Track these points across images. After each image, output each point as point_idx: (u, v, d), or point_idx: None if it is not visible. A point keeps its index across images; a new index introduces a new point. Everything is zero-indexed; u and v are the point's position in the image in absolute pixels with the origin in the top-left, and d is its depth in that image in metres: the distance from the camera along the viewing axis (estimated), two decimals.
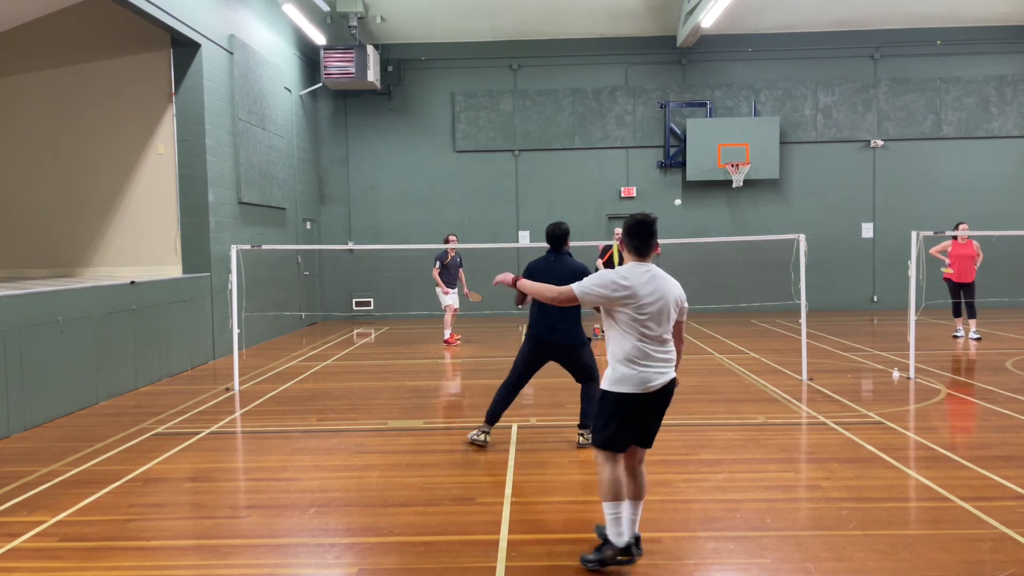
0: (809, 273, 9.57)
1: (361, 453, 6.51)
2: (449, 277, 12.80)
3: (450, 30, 17.20)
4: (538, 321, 6.29)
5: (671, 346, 4.18)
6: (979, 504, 4.93)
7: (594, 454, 4.24)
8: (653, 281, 4.09)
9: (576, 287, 4.17)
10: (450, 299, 12.90)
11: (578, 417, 6.71)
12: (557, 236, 6.36)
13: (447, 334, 13.14)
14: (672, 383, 4.14)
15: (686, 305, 4.25)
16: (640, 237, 4.15)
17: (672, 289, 4.14)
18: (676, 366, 4.20)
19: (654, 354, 4.07)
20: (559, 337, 6.23)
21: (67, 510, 5.14)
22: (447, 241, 12.91)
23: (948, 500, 5.05)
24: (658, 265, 4.26)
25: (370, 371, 10.85)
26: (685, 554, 4.31)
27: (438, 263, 12.69)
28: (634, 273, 4.09)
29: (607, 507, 4.12)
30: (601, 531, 4.24)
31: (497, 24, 17.05)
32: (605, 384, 4.15)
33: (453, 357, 11.88)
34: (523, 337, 6.52)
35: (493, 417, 6.62)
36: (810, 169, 17.63)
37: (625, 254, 4.26)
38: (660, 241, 13.86)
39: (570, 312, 6.14)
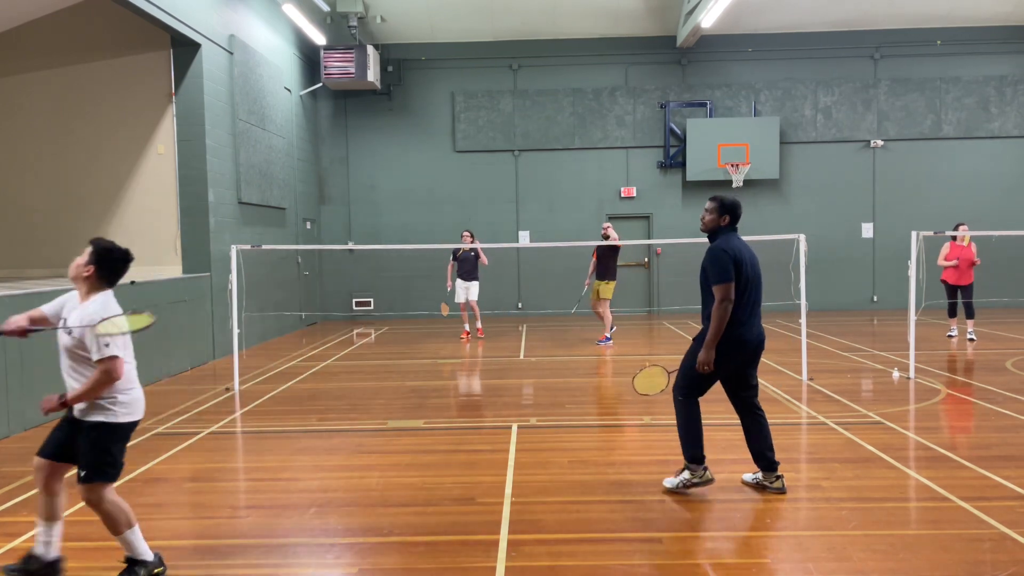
0: (809, 273, 9.56)
1: (361, 453, 6.51)
2: (462, 271, 13.54)
3: (450, 30, 17.20)
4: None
5: None
6: (979, 504, 4.93)
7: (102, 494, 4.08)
8: None
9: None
10: (457, 295, 13.60)
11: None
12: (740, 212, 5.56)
13: (467, 327, 13.94)
14: None
15: None
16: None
17: None
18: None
19: None
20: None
21: (67, 510, 5.13)
22: (462, 238, 13.70)
23: (948, 500, 5.05)
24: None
25: (370, 371, 10.85)
26: (685, 554, 4.31)
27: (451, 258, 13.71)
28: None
29: None
30: None
31: (497, 24, 17.05)
32: None
33: (455, 356, 11.88)
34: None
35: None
36: (810, 169, 17.63)
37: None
38: (660, 241, 13.86)
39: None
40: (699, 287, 5.39)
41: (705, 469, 5.25)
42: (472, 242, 13.36)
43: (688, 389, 5.26)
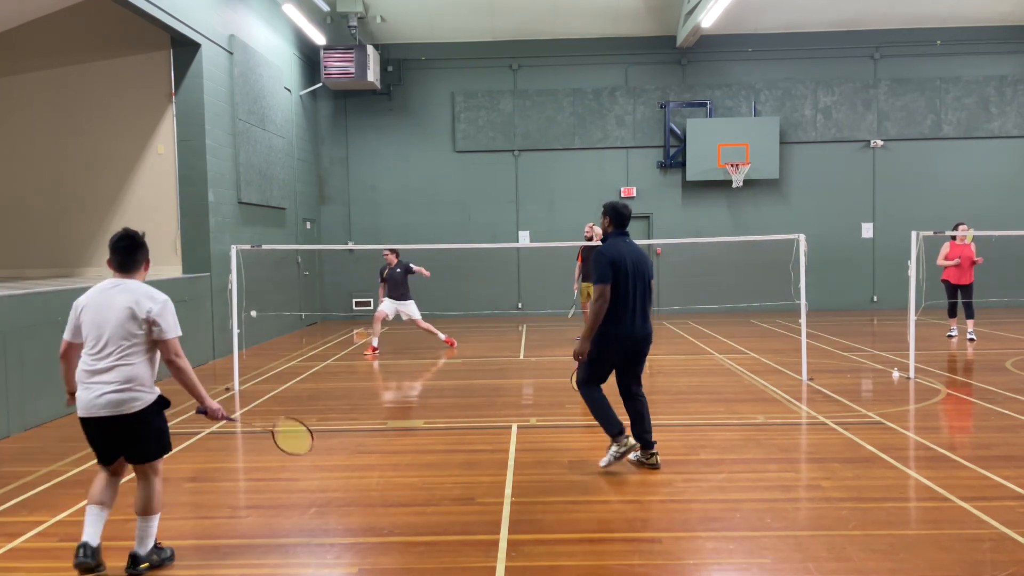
0: (809, 273, 9.57)
1: (361, 453, 6.51)
2: (392, 291, 12.28)
3: (450, 30, 17.20)
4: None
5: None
6: (979, 504, 4.93)
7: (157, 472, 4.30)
8: None
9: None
10: (383, 306, 12.36)
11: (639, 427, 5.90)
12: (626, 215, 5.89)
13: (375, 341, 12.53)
14: None
15: None
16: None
17: None
18: None
19: None
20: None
21: (67, 510, 5.14)
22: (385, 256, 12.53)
23: (948, 500, 5.05)
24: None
25: (370, 371, 10.86)
26: (685, 554, 4.31)
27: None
28: None
29: None
30: None
31: (497, 24, 17.05)
32: None
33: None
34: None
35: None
36: (810, 169, 17.63)
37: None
38: (660, 241, 13.86)
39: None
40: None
41: (627, 438, 5.74)
42: (396, 259, 12.30)
43: (586, 379, 5.79)
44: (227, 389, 9.31)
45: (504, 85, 17.72)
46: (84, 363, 4.09)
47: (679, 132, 17.56)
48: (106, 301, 4.12)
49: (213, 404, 4.35)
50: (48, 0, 11.46)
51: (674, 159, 17.56)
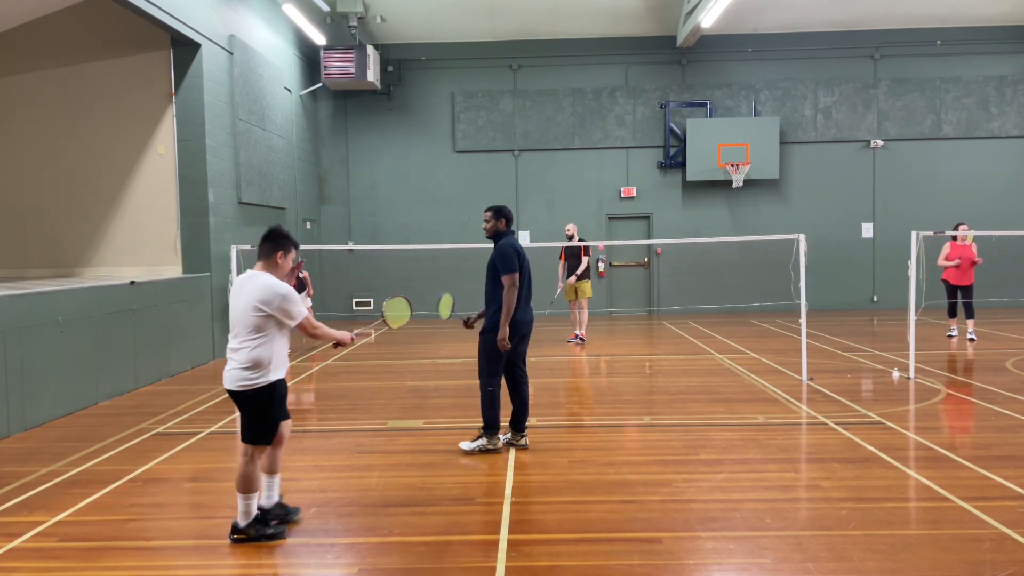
0: (809, 273, 9.57)
1: (361, 453, 6.51)
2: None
3: (450, 30, 17.20)
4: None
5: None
6: (979, 504, 4.93)
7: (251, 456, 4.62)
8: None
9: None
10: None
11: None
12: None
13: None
14: None
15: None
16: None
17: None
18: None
19: None
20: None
21: (67, 510, 5.14)
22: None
23: (948, 500, 5.05)
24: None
25: (370, 371, 10.86)
26: (685, 554, 4.31)
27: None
28: None
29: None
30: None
31: (497, 24, 17.05)
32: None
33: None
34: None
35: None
36: (810, 169, 17.63)
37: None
38: (660, 241, 13.80)
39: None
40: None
41: (499, 438, 6.38)
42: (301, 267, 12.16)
43: (495, 370, 6.35)
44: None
45: (504, 85, 17.72)
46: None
47: (679, 132, 17.56)
48: None
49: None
50: (48, 0, 11.46)
51: (674, 159, 17.56)
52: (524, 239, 17.48)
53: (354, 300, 17.80)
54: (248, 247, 9.73)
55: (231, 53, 12.65)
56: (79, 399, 8.38)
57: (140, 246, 12.00)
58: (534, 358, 11.59)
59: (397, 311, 5.61)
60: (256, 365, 4.45)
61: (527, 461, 6.13)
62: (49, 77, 12.22)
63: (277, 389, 4.56)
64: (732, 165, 16.88)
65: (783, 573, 4.05)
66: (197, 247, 11.75)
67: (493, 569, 4.14)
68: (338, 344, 4.88)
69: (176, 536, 4.71)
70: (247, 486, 4.53)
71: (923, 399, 8.16)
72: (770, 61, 17.56)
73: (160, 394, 9.25)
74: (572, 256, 12.78)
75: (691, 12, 15.82)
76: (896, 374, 9.53)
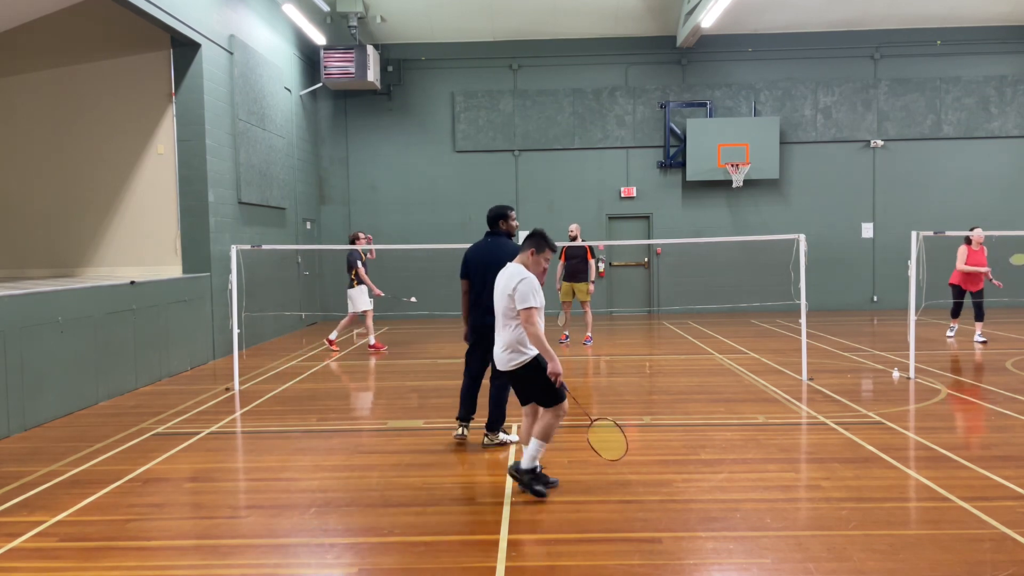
0: (809, 273, 9.56)
1: (361, 453, 6.51)
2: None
3: (450, 30, 17.20)
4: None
5: None
6: (979, 504, 4.93)
7: (554, 413, 5.21)
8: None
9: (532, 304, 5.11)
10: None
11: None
12: (490, 217, 6.95)
13: (373, 339, 12.64)
14: None
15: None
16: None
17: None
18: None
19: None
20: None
21: (67, 510, 5.14)
22: (357, 239, 12.30)
23: (948, 500, 5.05)
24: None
25: (370, 371, 10.86)
26: (685, 554, 4.31)
27: (359, 262, 12.19)
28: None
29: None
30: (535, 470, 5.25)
31: (497, 24, 17.06)
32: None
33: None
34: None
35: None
36: (810, 169, 17.63)
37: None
38: (660, 241, 13.80)
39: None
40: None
41: (464, 427, 6.75)
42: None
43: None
44: (227, 389, 9.31)
45: (504, 85, 17.73)
46: None
47: (679, 132, 17.56)
48: None
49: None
50: (48, 0, 11.46)
51: (674, 159, 17.56)
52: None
53: None
54: (248, 247, 9.74)
55: (231, 53, 12.65)
56: (79, 399, 8.38)
57: (140, 246, 12.01)
58: None
59: (609, 440, 5.36)
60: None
61: None
62: (49, 77, 12.22)
63: (541, 361, 5.22)
64: (732, 165, 16.88)
65: (783, 573, 4.05)
66: (197, 247, 11.76)
67: (493, 569, 4.14)
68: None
69: (176, 536, 4.71)
70: (548, 436, 5.22)
71: (923, 399, 8.16)
72: (770, 61, 17.56)
73: (160, 394, 9.25)
74: (575, 257, 12.73)
75: (691, 12, 15.82)
76: (896, 374, 9.53)
